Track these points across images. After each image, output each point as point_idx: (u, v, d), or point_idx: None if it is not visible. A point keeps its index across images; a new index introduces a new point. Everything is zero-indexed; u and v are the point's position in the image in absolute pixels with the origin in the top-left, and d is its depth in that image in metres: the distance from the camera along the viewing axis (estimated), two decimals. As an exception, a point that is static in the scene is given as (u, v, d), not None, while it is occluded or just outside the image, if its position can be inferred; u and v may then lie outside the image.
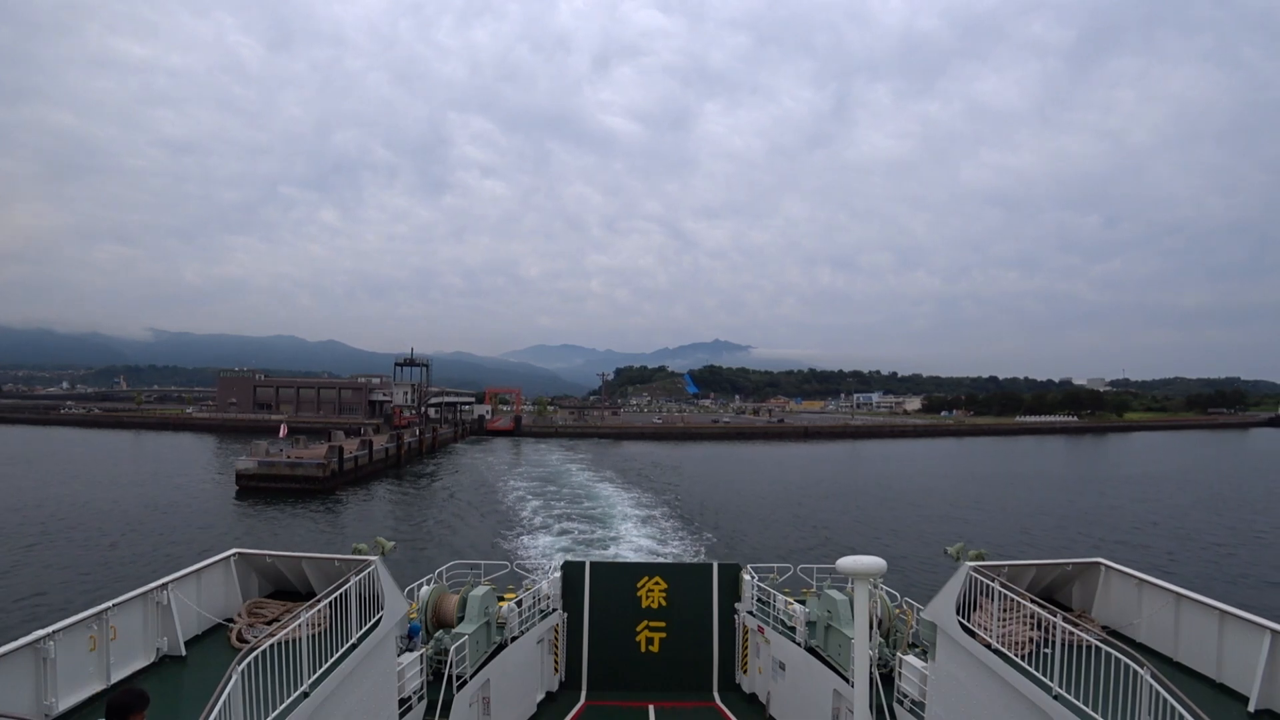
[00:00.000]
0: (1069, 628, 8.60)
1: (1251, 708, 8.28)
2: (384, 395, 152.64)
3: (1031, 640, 9.40)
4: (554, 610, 17.16)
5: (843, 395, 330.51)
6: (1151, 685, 7.06)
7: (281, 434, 76.35)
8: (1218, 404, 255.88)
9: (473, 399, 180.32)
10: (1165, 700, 6.86)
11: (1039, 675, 8.50)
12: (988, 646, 9.54)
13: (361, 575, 9.77)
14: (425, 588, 15.16)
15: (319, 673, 8.26)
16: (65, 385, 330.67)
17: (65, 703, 7.66)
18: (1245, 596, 30.92)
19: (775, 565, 18.19)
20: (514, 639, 15.23)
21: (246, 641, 9.31)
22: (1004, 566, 10.95)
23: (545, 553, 38.91)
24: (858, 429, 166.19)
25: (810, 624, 14.94)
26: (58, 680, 7.53)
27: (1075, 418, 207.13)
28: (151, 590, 9.22)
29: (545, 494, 62.21)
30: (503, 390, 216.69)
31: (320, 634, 8.78)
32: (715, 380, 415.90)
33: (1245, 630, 8.77)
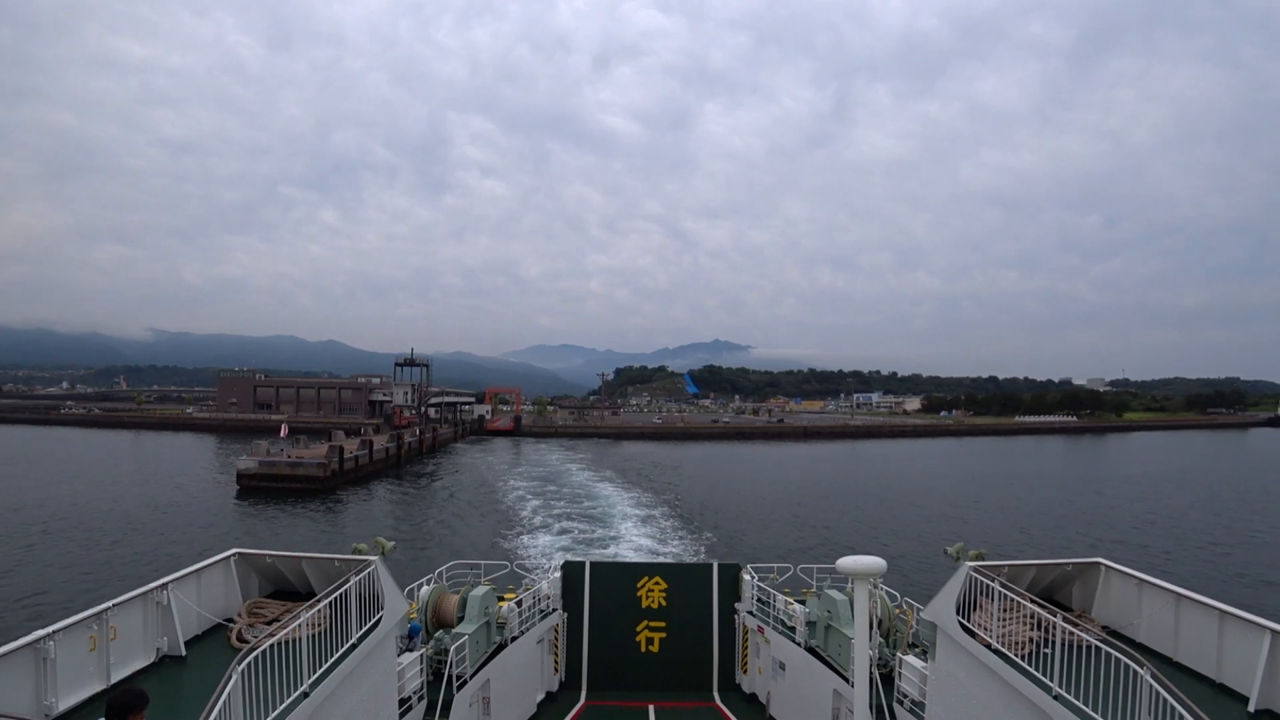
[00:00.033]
0: (1069, 628, 8.59)
1: (1251, 708, 8.27)
2: (384, 395, 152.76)
3: (1031, 640, 9.39)
4: (554, 610, 17.15)
5: (842, 395, 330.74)
6: (1151, 685, 7.06)
7: (282, 434, 76.40)
8: (1217, 404, 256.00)
9: (473, 399, 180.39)
10: (1165, 700, 6.86)
11: (1039, 675, 8.50)
12: (988, 646, 9.53)
13: (361, 575, 9.77)
14: (425, 588, 15.16)
15: (319, 673, 8.26)
16: (65, 385, 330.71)
17: (65, 703, 7.66)
18: (1244, 596, 30.94)
19: (775, 565, 18.18)
20: (514, 639, 15.21)
21: (246, 641, 9.31)
22: (1004, 566, 10.94)
23: (545, 552, 38.87)
24: (857, 429, 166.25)
25: (810, 624, 14.93)
26: (58, 680, 7.52)
27: (1075, 418, 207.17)
28: (151, 590, 9.22)
29: (545, 494, 62.16)
30: (503, 390, 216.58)
31: (320, 634, 8.77)
32: (715, 380, 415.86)
33: (1245, 630, 8.76)
